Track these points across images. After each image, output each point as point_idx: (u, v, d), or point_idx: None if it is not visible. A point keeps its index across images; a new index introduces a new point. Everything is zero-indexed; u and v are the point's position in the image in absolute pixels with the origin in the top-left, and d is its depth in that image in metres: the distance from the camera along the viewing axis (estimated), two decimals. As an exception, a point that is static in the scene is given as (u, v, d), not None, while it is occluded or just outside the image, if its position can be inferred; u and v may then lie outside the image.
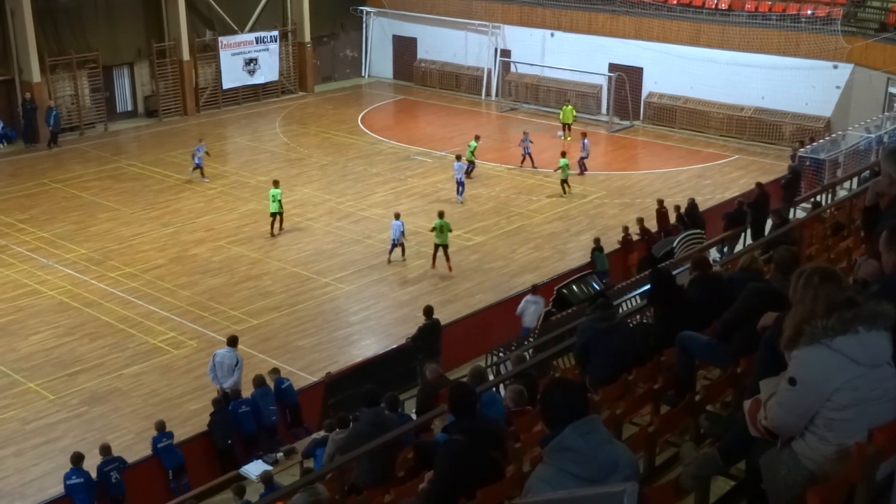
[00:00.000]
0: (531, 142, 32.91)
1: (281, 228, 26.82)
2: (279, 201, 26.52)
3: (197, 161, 30.75)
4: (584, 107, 39.85)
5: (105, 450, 14.53)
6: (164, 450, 15.04)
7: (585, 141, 32.04)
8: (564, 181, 29.78)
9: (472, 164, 31.52)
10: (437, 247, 24.11)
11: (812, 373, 4.65)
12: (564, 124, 36.56)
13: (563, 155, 29.87)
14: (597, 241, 22.70)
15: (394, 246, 24.64)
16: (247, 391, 16.65)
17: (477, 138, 32.67)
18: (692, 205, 24.30)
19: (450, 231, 24.15)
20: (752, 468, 5.52)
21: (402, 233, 24.59)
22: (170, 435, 15.24)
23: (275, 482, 13.04)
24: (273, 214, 26.61)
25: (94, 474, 14.35)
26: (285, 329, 21.11)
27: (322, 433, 14.02)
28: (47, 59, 35.88)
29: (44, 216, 28.06)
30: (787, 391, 4.74)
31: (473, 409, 7.37)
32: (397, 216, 24.83)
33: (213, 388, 17.70)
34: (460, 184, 29.36)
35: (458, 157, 29.99)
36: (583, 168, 31.73)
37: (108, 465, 14.40)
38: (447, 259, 24.16)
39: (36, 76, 35.43)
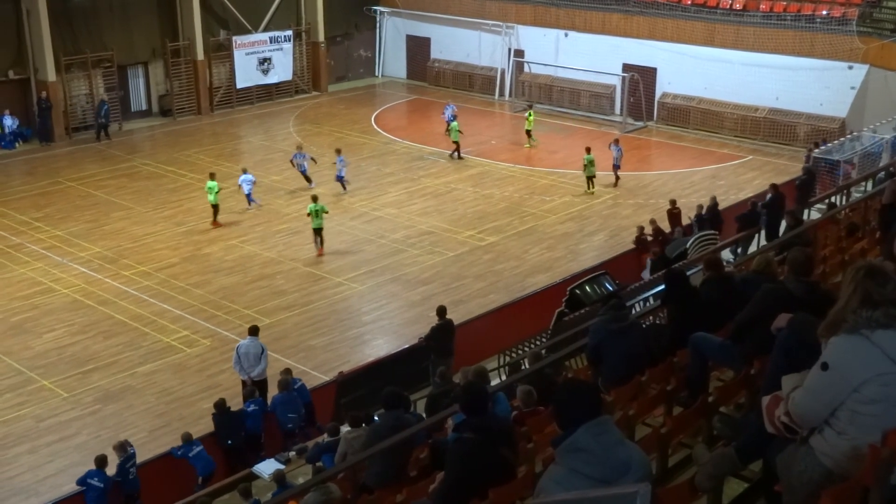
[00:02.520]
0: (456, 109, 36.39)
1: (214, 223, 27.25)
2: (216, 193, 26.92)
3: (303, 169, 30.03)
4: (598, 107, 39.80)
5: (123, 447, 14.55)
6: (197, 457, 14.94)
7: (615, 146, 30.61)
8: (591, 178, 29.59)
9: (457, 144, 33.57)
10: (316, 231, 24.94)
11: (846, 360, 4.64)
12: (528, 131, 35.81)
13: (588, 151, 29.56)
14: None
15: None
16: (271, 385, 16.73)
17: (455, 117, 35.04)
18: (714, 203, 24.28)
19: (325, 213, 25.02)
20: (768, 468, 5.51)
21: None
22: (198, 442, 15.05)
23: (287, 481, 13.05)
24: (212, 206, 27.06)
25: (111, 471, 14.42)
26: (298, 328, 21.15)
27: (326, 438, 14.02)
28: (62, 58, 36.05)
29: (58, 214, 28.19)
30: (817, 376, 4.73)
31: (485, 407, 7.36)
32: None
33: (226, 388, 17.77)
34: (340, 179, 29.92)
35: (339, 151, 30.32)
36: (616, 176, 30.67)
37: (128, 462, 14.46)
38: (321, 243, 25.06)
39: (51, 75, 35.60)
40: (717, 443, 7.15)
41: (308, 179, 30.12)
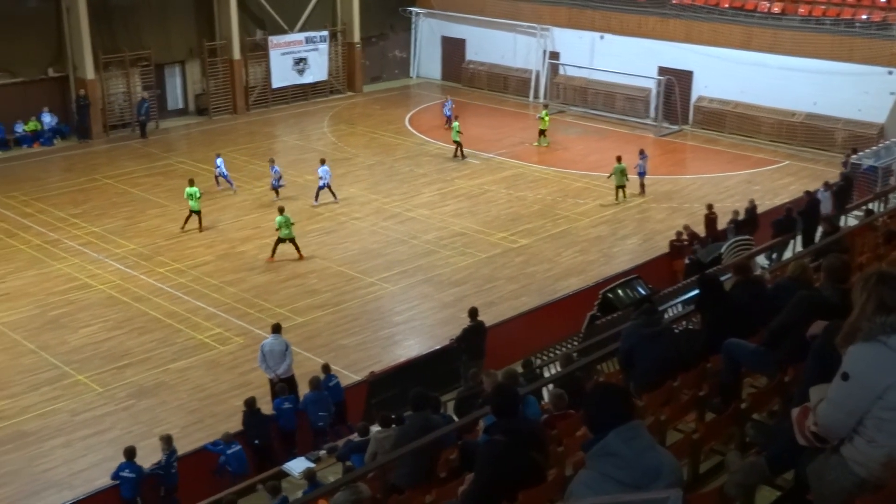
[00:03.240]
0: (454, 106, 37.88)
1: (200, 228, 27.01)
2: (198, 199, 26.79)
3: (275, 183, 29.35)
4: (633, 110, 39.62)
5: (168, 440, 14.71)
6: (234, 455, 15.04)
7: (643, 158, 30.07)
8: (621, 188, 29.18)
9: (458, 144, 33.81)
10: (281, 240, 24.74)
11: (866, 368, 4.61)
12: (541, 131, 35.88)
13: (619, 160, 29.16)
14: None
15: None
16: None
17: (456, 117, 35.57)
18: (752, 206, 24.11)
19: (292, 224, 24.86)
20: (800, 478, 5.46)
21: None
22: (237, 443, 15.14)
23: (317, 479, 13.11)
24: (194, 212, 26.85)
25: (146, 466, 14.58)
26: (330, 327, 21.23)
27: (357, 437, 14.07)
28: (101, 56, 36.45)
29: (95, 211, 28.50)
30: (839, 387, 4.69)
31: (515, 410, 7.35)
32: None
33: (258, 385, 17.88)
34: (324, 188, 28.99)
35: (323, 161, 29.42)
36: (642, 187, 30.06)
37: (172, 456, 14.62)
38: (297, 249, 24.91)
39: (90, 73, 36.02)
40: (750, 450, 7.09)
41: (276, 193, 29.15)
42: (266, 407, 16.21)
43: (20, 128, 35.41)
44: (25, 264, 24.62)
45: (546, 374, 16.29)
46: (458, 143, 34.06)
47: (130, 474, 14.25)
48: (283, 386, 16.52)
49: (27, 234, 26.65)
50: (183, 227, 26.87)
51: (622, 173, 29.02)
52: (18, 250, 25.49)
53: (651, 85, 38.77)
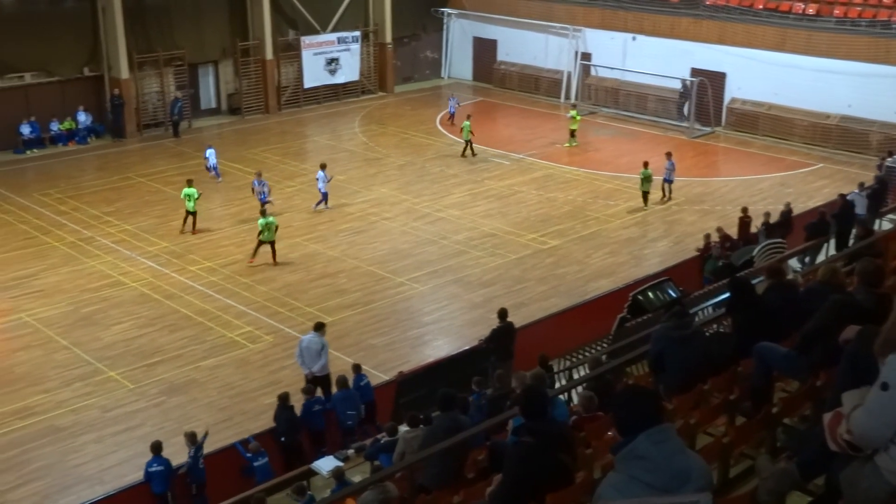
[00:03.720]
0: (459, 104, 38.82)
1: (194, 230, 26.83)
2: (195, 200, 26.67)
3: (262, 197, 27.83)
4: (665, 112, 39.41)
5: (193, 437, 14.84)
6: (262, 468, 15.06)
7: (670, 162, 29.45)
8: (647, 193, 28.74)
9: (468, 142, 34.00)
10: (262, 243, 24.53)
11: None
12: (572, 131, 35.75)
13: (646, 165, 28.68)
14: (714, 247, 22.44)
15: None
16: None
17: (468, 116, 35.18)
18: (788, 210, 23.90)
19: (276, 228, 24.58)
20: (831, 484, 5.41)
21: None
22: (264, 453, 15.16)
23: (345, 478, 13.15)
24: (190, 213, 26.73)
25: (174, 462, 14.70)
26: (359, 327, 21.28)
27: (384, 437, 14.09)
28: (135, 56, 36.78)
29: (128, 209, 28.75)
30: (878, 397, 4.63)
31: (544, 411, 7.34)
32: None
33: (287, 384, 17.96)
34: (324, 195, 28.56)
35: (323, 166, 28.84)
36: (666, 193, 29.47)
37: (198, 452, 14.75)
38: (273, 254, 24.61)
39: (124, 73, 36.36)
40: (781, 455, 7.04)
41: (263, 207, 26.41)
42: (300, 404, 16.27)
43: (56, 126, 35.82)
44: (60, 261, 24.89)
45: (575, 376, 16.26)
46: (468, 142, 34.15)
47: (159, 467, 14.40)
48: (310, 387, 16.53)
49: (62, 231, 26.94)
50: (182, 230, 26.83)
51: (647, 179, 28.53)
52: (53, 247, 25.78)
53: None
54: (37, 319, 21.64)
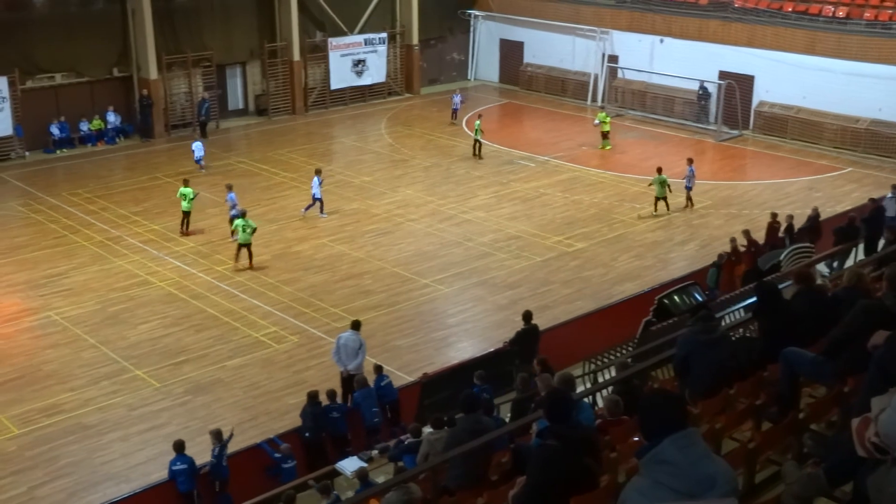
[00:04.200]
0: (463, 101, 39.61)
1: (187, 231, 26.73)
2: (190, 200, 26.60)
3: (315, 194, 28.26)
4: (692, 114, 39.22)
5: (218, 435, 14.93)
6: (290, 470, 15.13)
7: (691, 168, 28.89)
8: (661, 199, 28.21)
9: (478, 143, 34.15)
10: (240, 246, 24.33)
11: None
12: (604, 133, 35.49)
13: (659, 171, 28.18)
14: (720, 256, 22.05)
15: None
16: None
17: (479, 115, 35.53)
18: (815, 215, 23.70)
19: (253, 230, 24.31)
20: (859, 490, 5.36)
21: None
22: (293, 457, 15.22)
23: (369, 479, 13.17)
24: (184, 213, 26.64)
25: (199, 460, 14.78)
26: (384, 328, 21.31)
27: (409, 439, 14.10)
28: (164, 57, 37.05)
29: (156, 209, 28.95)
30: None
31: (569, 414, 7.32)
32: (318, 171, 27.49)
33: (312, 384, 18.02)
34: (317, 199, 28.12)
35: (318, 172, 28.47)
36: (689, 201, 28.83)
37: (223, 450, 14.84)
38: (249, 258, 24.42)
39: (153, 73, 36.62)
40: (807, 461, 6.98)
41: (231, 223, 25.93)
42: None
43: (85, 126, 36.15)
44: (88, 260, 25.11)
45: (600, 379, 16.21)
46: (478, 142, 34.24)
47: (183, 465, 14.49)
48: (333, 391, 16.51)
49: (90, 230, 27.18)
50: (182, 231, 26.73)
51: (662, 184, 28.05)
52: (82, 246, 26.01)
53: (712, 89, 38.35)
54: (65, 318, 21.84)
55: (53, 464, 16.36)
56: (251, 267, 24.37)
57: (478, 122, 34.51)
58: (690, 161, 29.03)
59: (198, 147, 32.45)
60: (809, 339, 8.49)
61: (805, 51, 35.85)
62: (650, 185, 28.56)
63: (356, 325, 17.83)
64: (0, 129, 33.56)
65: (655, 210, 28.35)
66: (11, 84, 33.60)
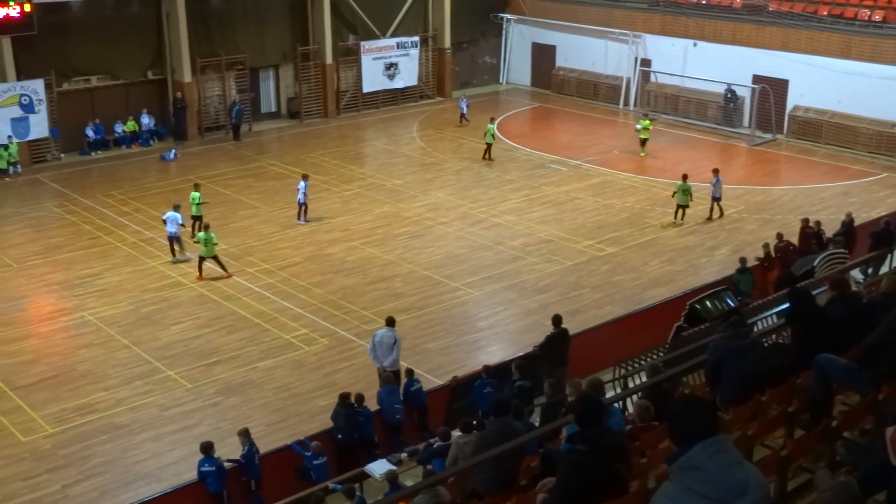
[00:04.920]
0: (467, 105, 39.77)
1: (193, 234, 26.47)
2: (199, 205, 26.59)
3: (300, 199, 28.15)
4: (725, 119, 38.98)
5: (247, 434, 15.02)
6: (320, 467, 15.20)
7: (718, 178, 28.10)
8: (683, 207, 27.75)
9: (489, 146, 34.34)
10: (202, 259, 23.99)
11: None
12: (643, 140, 35.09)
13: (685, 178, 27.84)
14: (742, 260, 21.90)
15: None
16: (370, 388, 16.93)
17: (492, 119, 35.66)
18: (849, 220, 23.45)
19: (215, 244, 23.96)
20: (892, 499, 5.31)
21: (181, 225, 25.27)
22: (324, 454, 15.27)
23: (399, 482, 13.19)
24: (193, 217, 26.57)
25: (226, 461, 14.89)
26: (414, 331, 21.33)
27: (437, 442, 14.10)
28: (198, 60, 37.34)
29: (189, 211, 29.12)
30: None
31: (599, 420, 7.30)
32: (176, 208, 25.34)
33: (342, 386, 18.08)
34: (301, 205, 28.04)
35: (305, 177, 28.43)
36: (717, 211, 28.13)
37: (253, 447, 14.96)
38: (220, 265, 24.20)
39: (187, 76, 36.93)
40: (840, 469, 6.91)
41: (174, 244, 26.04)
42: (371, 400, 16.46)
43: (119, 128, 36.50)
44: (122, 261, 25.34)
45: (630, 385, 16.13)
46: (489, 146, 34.33)
47: (210, 467, 14.58)
48: (361, 395, 16.53)
49: (124, 232, 27.44)
50: (192, 234, 26.46)
51: (685, 192, 27.55)
52: (116, 247, 26.26)
53: (745, 93, 38.10)
54: (99, 318, 22.06)
55: (86, 463, 16.53)
56: (200, 278, 23.98)
57: (491, 125, 34.58)
58: (716, 171, 28.28)
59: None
60: (843, 345, 8.41)
61: (840, 55, 35.52)
62: (673, 194, 28.09)
63: (391, 322, 18.04)
64: (36, 131, 33.96)
65: (675, 218, 27.89)
66: (48, 86, 34.01)
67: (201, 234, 24.23)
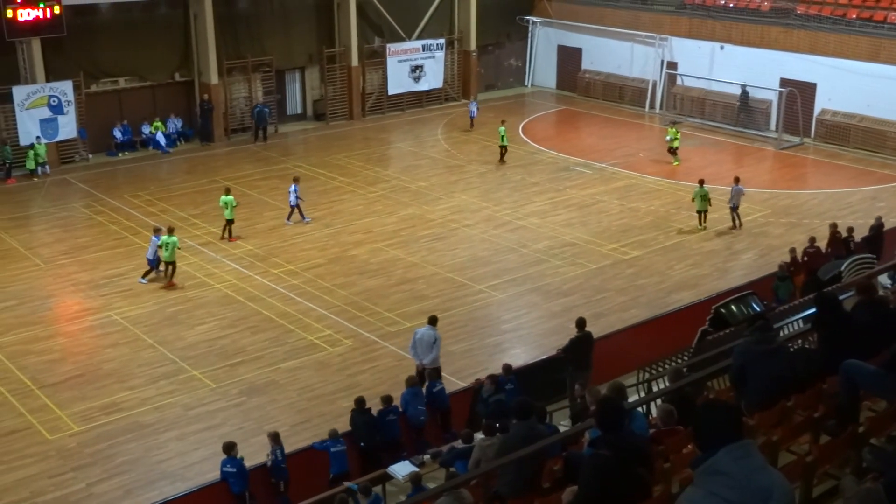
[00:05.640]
0: (478, 109, 39.90)
1: (230, 238, 26.79)
2: (233, 208, 26.64)
3: (292, 202, 28.25)
4: (752, 122, 38.76)
5: (275, 437, 15.07)
6: (337, 455, 15.29)
7: (736, 187, 27.60)
8: (702, 213, 27.53)
9: (504, 148, 34.47)
10: (165, 264, 23.86)
11: None
12: (671, 149, 34.50)
13: (701, 183, 27.58)
14: (781, 267, 21.51)
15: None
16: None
17: (503, 122, 35.43)
18: (879, 224, 23.21)
19: (178, 248, 23.84)
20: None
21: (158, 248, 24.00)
22: (343, 442, 15.36)
23: (422, 484, 13.20)
24: (227, 221, 26.73)
25: (252, 462, 14.94)
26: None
27: (461, 444, 14.08)
28: (225, 62, 37.55)
29: (214, 212, 29.27)
30: None
31: (621, 424, 7.27)
32: (171, 231, 24.26)
33: (365, 387, 18.12)
34: (292, 207, 28.07)
35: (296, 180, 28.58)
36: (735, 220, 27.63)
37: (280, 451, 15.00)
38: (171, 274, 23.87)
39: (214, 78, 37.13)
40: (867, 476, 6.85)
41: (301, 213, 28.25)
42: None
43: (147, 129, 36.76)
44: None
45: (654, 389, 16.05)
46: (504, 148, 34.36)
47: (232, 469, 14.63)
48: (389, 396, 16.54)
49: (150, 232, 27.56)
50: (222, 236, 26.88)
51: (703, 198, 27.27)
52: (142, 248, 26.34)
53: (772, 96, 37.88)
54: (125, 318, 22.22)
55: (111, 461, 16.64)
56: (171, 284, 23.81)
57: (502, 127, 34.56)
58: (737, 180, 27.76)
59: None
60: (870, 351, 8.34)
61: (869, 58, 35.24)
62: (692, 199, 27.84)
63: (433, 321, 18.28)
64: (65, 132, 34.27)
65: (700, 224, 27.62)
66: (76, 88, 34.31)
67: (164, 238, 23.76)
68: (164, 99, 37.35)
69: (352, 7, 39.91)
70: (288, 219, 28.15)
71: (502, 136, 34.39)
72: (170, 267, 23.93)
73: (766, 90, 37.84)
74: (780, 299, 20.64)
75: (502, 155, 34.57)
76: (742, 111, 38.84)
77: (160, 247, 23.87)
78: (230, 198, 26.82)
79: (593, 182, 32.42)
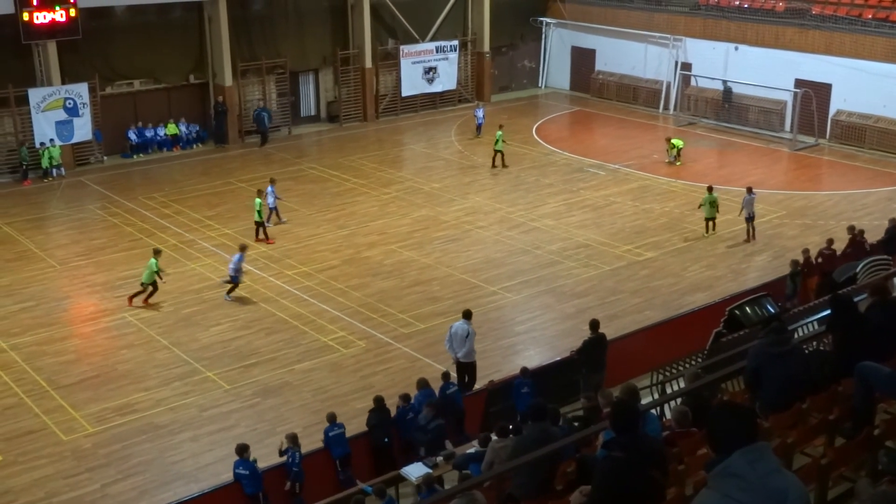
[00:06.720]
0: (484, 114, 38.65)
1: (262, 238, 26.85)
2: (259, 211, 26.71)
3: (270, 203, 28.07)
4: (767, 123, 38.62)
5: (295, 439, 15.12)
6: (335, 438, 15.42)
7: (749, 196, 26.74)
8: (710, 220, 27.14)
9: (499, 153, 33.95)
10: (142, 283, 23.01)
11: None
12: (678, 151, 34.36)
13: (710, 190, 27.32)
14: (792, 264, 21.47)
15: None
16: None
17: (501, 126, 35.13)
18: (893, 226, 23.06)
19: (156, 271, 22.93)
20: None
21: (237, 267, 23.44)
22: (341, 425, 15.64)
23: (435, 485, 13.19)
24: (256, 223, 26.83)
25: (266, 463, 14.98)
26: (451, 335, 21.30)
27: (476, 447, 14.07)
28: (239, 64, 37.66)
29: (229, 214, 29.42)
30: None
31: (635, 426, 7.25)
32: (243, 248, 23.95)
33: (379, 389, 18.13)
34: (272, 209, 28.04)
35: (272, 181, 28.58)
36: (750, 232, 26.78)
37: (297, 453, 15.07)
38: (145, 296, 23.01)
39: (228, 80, 37.25)
40: (883, 478, 6.81)
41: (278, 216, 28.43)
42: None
43: (161, 132, 36.90)
44: (163, 263, 25.38)
45: (668, 391, 16.02)
46: (499, 153, 33.96)
47: (244, 471, 14.67)
48: (407, 395, 16.57)
49: (165, 234, 27.72)
50: (260, 240, 26.91)
51: (712, 205, 26.91)
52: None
53: (787, 97, 37.74)
54: (139, 319, 22.31)
55: (126, 462, 16.71)
56: (145, 303, 23.05)
57: (500, 132, 34.25)
58: (749, 189, 27.08)
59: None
60: (885, 353, 8.30)
61: (885, 59, 35.06)
62: (700, 206, 27.56)
63: (467, 315, 18.40)
64: (80, 134, 34.45)
65: (706, 232, 27.26)
66: (91, 90, 34.47)
67: (152, 261, 23.07)
68: (178, 101, 37.49)
69: (366, 9, 39.98)
70: (267, 220, 27.80)
71: (496, 141, 33.90)
72: (149, 287, 23.10)
73: (782, 91, 37.68)
74: (787, 295, 20.67)
75: (494, 160, 34.04)
76: (726, 102, 39.35)
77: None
78: (257, 200, 26.95)
79: (607, 183, 32.37)
